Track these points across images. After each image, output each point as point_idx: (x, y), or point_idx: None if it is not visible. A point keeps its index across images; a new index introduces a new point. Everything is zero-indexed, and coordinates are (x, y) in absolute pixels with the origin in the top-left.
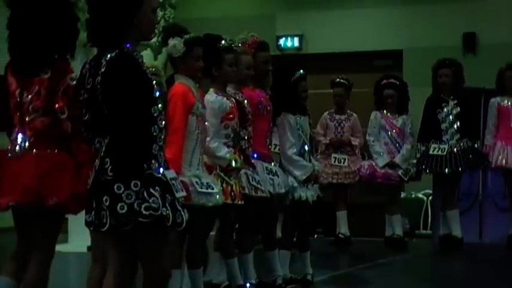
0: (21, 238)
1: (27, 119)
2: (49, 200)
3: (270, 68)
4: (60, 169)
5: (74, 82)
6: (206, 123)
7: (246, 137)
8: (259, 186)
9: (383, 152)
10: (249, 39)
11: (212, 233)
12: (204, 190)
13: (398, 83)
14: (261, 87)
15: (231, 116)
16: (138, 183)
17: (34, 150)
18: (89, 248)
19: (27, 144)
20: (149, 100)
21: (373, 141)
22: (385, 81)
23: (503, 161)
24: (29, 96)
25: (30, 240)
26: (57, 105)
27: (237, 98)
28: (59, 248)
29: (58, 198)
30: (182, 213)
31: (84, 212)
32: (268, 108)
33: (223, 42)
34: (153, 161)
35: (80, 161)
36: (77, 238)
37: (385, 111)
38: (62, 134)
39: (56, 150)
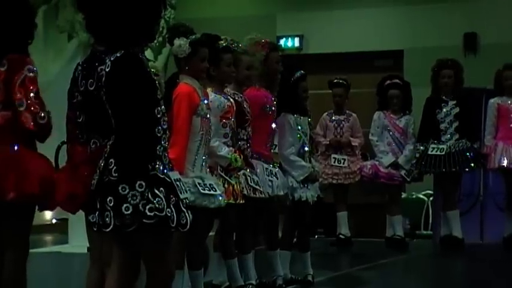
0: None
1: None
2: (7, 195)
3: (281, 68)
4: (18, 164)
5: (33, 74)
6: (210, 124)
7: (245, 138)
8: (257, 187)
9: (388, 152)
10: (261, 40)
11: (212, 234)
12: (206, 192)
13: (402, 83)
14: (268, 87)
15: (228, 115)
16: (143, 184)
17: None
18: (89, 249)
19: None
20: (153, 101)
21: (377, 141)
22: (389, 81)
23: (505, 162)
24: None
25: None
26: (15, 97)
27: (236, 98)
28: (59, 248)
29: (16, 193)
30: (186, 214)
31: (84, 213)
32: (273, 108)
33: (221, 42)
34: (157, 162)
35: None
36: (77, 239)
37: (388, 111)
38: (23, 129)
39: (18, 146)
